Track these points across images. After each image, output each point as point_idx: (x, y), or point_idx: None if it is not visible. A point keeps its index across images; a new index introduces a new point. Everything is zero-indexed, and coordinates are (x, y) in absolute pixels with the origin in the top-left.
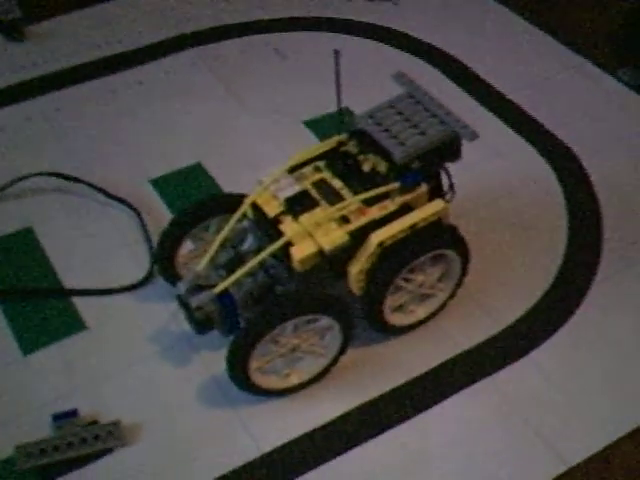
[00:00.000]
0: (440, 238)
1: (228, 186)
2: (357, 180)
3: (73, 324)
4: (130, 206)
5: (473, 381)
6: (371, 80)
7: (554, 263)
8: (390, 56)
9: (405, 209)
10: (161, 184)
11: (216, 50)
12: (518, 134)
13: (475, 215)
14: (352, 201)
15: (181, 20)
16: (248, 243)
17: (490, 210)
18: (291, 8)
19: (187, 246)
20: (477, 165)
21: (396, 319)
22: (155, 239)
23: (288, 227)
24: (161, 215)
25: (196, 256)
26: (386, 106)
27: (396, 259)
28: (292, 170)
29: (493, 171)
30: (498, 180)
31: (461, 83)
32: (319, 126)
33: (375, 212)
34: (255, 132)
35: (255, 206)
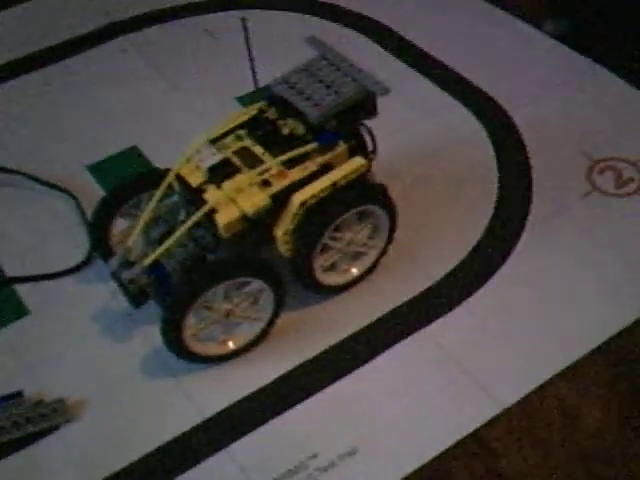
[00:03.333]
0: (362, 194)
1: (165, 166)
2: (277, 145)
3: (16, 310)
4: (66, 191)
5: (408, 334)
6: (294, 51)
7: (486, 214)
8: (314, 26)
9: (326, 169)
10: (98, 170)
11: (147, 36)
12: (447, 92)
13: (408, 173)
14: (272, 164)
15: (110, 9)
16: (178, 218)
17: (422, 167)
18: None
19: (122, 224)
20: (409, 125)
21: (329, 279)
22: None
23: (211, 195)
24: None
25: (130, 233)
26: (300, 70)
27: (319, 217)
28: (214, 140)
29: (425, 130)
30: (430, 138)
31: (385, 45)
32: (251, 100)
33: (296, 174)
34: (189, 112)
35: (180, 178)
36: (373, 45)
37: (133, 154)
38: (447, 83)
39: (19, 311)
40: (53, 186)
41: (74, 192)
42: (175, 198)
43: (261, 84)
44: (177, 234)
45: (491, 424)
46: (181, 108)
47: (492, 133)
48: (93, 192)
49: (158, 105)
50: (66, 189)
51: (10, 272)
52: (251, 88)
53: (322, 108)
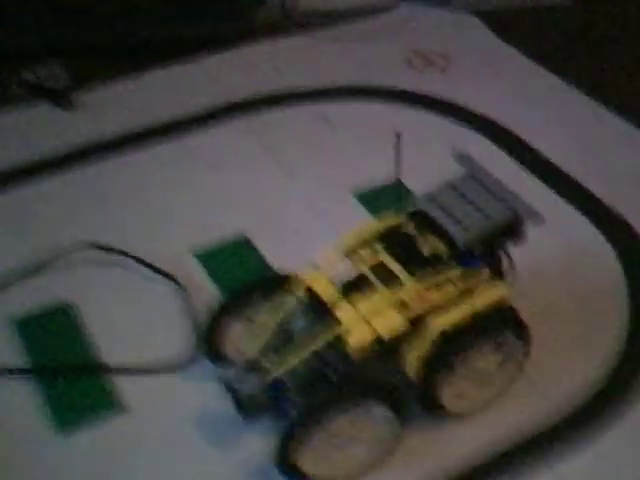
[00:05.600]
0: (501, 323)
1: (275, 260)
2: (416, 264)
3: (113, 404)
4: (174, 280)
5: (532, 471)
6: (420, 151)
7: (617, 344)
8: (439, 125)
9: (466, 293)
10: (206, 257)
11: (265, 119)
12: (576, 209)
13: (533, 294)
14: (412, 286)
15: (229, 89)
16: (299, 324)
17: (548, 289)
18: (339, 78)
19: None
20: (534, 242)
21: (452, 404)
22: (199, 315)
23: (344, 313)
24: (206, 290)
25: (243, 335)
26: (447, 187)
27: (456, 346)
28: (348, 252)
29: (550, 248)
30: (556, 257)
31: (512, 154)
32: (370, 199)
33: (436, 298)
34: (304, 204)
35: (309, 290)
36: (499, 151)
37: (243, 244)
38: (578, 200)
39: (116, 406)
40: (160, 272)
41: (179, 279)
42: (294, 304)
43: (378, 183)
44: (305, 352)
45: None
46: (295, 199)
47: (622, 255)
48: (199, 280)
49: (272, 193)
50: (173, 276)
51: (109, 362)
52: (369, 185)
53: (471, 233)
